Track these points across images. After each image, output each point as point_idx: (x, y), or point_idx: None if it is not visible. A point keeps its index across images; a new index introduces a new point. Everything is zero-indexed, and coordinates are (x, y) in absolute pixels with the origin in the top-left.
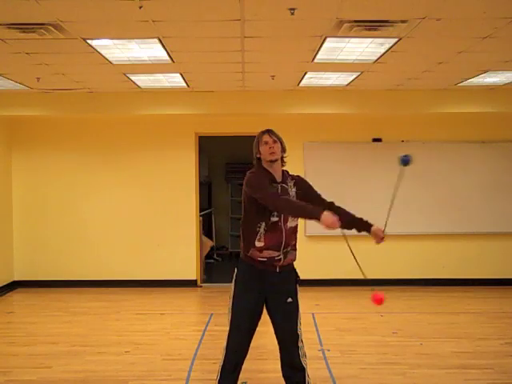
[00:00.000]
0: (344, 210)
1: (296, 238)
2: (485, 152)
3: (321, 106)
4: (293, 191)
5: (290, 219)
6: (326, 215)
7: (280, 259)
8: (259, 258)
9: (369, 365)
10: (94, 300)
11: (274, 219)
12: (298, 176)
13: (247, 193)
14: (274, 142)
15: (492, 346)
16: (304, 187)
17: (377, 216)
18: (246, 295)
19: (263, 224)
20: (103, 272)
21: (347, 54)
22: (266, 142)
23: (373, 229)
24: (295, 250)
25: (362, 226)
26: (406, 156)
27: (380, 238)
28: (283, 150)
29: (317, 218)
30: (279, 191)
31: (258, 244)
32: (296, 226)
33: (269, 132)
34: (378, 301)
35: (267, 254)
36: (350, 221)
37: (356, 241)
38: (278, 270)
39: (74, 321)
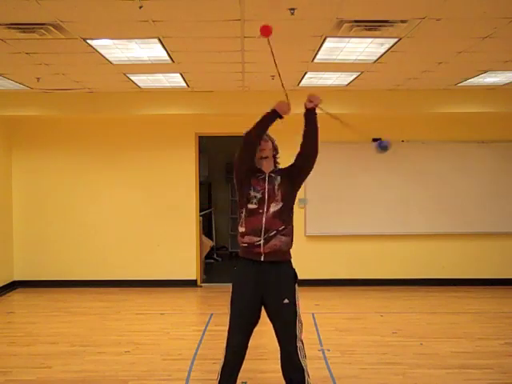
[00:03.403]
0: (304, 130)
1: (285, 223)
2: (484, 152)
3: (321, 105)
4: (278, 179)
5: (273, 204)
6: (278, 104)
7: (260, 245)
8: (242, 244)
9: (369, 365)
10: (94, 300)
11: (252, 206)
12: (280, 168)
13: (234, 178)
14: (265, 141)
15: (492, 346)
16: (285, 170)
17: (376, 216)
18: (243, 292)
19: (244, 210)
20: (103, 272)
21: (347, 54)
22: None
23: (306, 103)
24: (285, 235)
25: (308, 116)
26: (382, 142)
27: (313, 99)
28: (275, 149)
29: (273, 112)
30: (266, 179)
31: (241, 229)
32: (282, 210)
33: None
34: (266, 31)
35: (248, 239)
36: (308, 126)
37: (356, 241)
38: (262, 258)
39: (73, 321)
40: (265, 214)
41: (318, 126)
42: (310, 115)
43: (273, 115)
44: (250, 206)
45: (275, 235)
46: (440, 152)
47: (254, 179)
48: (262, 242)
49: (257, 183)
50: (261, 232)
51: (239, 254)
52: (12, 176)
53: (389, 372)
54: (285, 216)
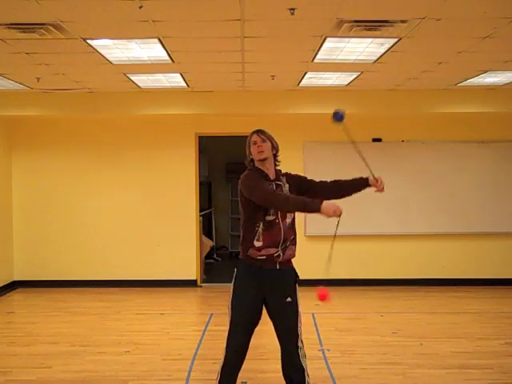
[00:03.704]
0: (346, 183)
1: (295, 232)
2: (484, 152)
3: (321, 105)
4: (286, 187)
5: (288, 215)
6: (326, 205)
7: (279, 255)
8: (258, 257)
9: (369, 365)
10: (94, 300)
11: (270, 218)
12: (286, 173)
13: (243, 194)
14: (263, 141)
15: (492, 346)
16: (295, 180)
17: (376, 216)
18: (245, 294)
19: (261, 223)
20: (103, 272)
21: (347, 54)
22: (255, 142)
23: (370, 181)
24: (294, 244)
25: (361, 185)
26: (337, 113)
27: (379, 187)
28: (274, 148)
29: (317, 210)
30: (274, 189)
31: (257, 244)
32: (293, 221)
33: (257, 132)
34: (323, 297)
35: (266, 252)
36: (353, 189)
37: (356, 241)
38: (277, 266)
39: (74, 321)
40: (282, 225)
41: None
42: (366, 186)
43: (312, 211)
44: (268, 218)
45: (289, 245)
46: (440, 152)
47: None
48: (280, 252)
49: None
50: (279, 243)
51: (242, 259)
52: (12, 176)
53: (389, 372)
54: (295, 225)
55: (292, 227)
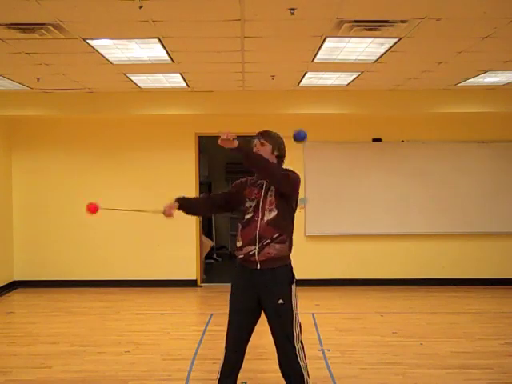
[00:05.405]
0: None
1: (282, 230)
2: (484, 152)
3: (321, 105)
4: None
5: (267, 212)
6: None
7: (254, 253)
8: (239, 256)
9: (369, 365)
10: (94, 300)
11: (248, 216)
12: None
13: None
14: (262, 144)
15: (492, 346)
16: None
17: (376, 216)
18: (239, 294)
19: (240, 224)
20: (103, 272)
21: (347, 54)
22: (255, 146)
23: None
24: (280, 242)
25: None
26: (300, 133)
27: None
28: (277, 150)
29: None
30: (263, 186)
31: (238, 244)
32: (275, 218)
33: (258, 136)
34: (92, 209)
35: (245, 250)
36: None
37: (356, 241)
38: (258, 266)
39: (74, 321)
40: (259, 222)
41: (254, 160)
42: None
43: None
44: (247, 216)
45: (269, 243)
46: (440, 152)
47: (247, 189)
48: (256, 250)
49: (251, 193)
50: (255, 241)
51: (238, 262)
52: (12, 176)
53: (389, 372)
54: (281, 224)
55: (274, 224)
